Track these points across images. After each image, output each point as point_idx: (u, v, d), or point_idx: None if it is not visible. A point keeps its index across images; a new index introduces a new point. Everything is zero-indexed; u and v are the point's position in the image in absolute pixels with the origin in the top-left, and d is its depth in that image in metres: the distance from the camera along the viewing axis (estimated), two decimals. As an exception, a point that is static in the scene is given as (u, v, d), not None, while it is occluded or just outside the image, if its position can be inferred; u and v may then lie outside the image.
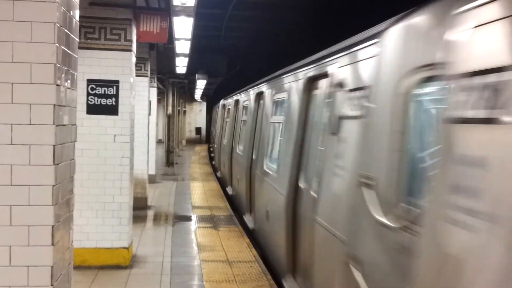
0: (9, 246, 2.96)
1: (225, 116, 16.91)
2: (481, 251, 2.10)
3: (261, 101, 9.39)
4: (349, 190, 3.83)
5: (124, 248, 6.99)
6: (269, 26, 14.76)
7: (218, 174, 17.39)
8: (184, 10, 7.05)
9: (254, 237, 8.85)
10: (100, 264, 6.87)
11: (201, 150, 34.28)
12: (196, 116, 46.93)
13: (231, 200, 12.90)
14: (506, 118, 2.04)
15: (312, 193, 4.99)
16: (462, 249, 2.22)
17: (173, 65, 15.19)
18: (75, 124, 3.44)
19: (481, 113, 2.18)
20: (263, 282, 6.49)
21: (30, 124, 2.95)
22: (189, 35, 9.20)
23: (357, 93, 3.96)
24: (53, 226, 2.98)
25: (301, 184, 5.63)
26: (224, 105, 17.91)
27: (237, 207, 11.85)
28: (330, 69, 4.83)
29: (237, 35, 16.00)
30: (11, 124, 2.94)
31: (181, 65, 14.88)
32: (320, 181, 4.70)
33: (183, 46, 10.73)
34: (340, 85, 4.42)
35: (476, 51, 2.32)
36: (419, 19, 3.13)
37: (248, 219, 9.84)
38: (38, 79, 2.94)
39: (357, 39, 4.38)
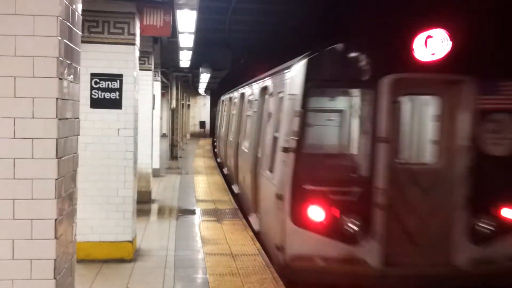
0: (12, 240, 2.96)
1: (230, 110, 16.78)
2: None
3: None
4: None
5: (128, 241, 7.01)
6: (274, 19, 14.70)
7: (225, 170, 16.80)
8: (187, 4, 7.03)
9: (261, 240, 8.16)
10: (104, 257, 6.89)
11: (205, 144, 34.29)
12: (200, 110, 46.93)
13: (237, 200, 12.15)
14: None
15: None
16: None
17: (177, 59, 15.15)
18: (78, 118, 3.44)
19: None
20: (267, 275, 6.50)
21: (33, 117, 2.94)
22: (192, 28, 9.17)
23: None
24: (56, 219, 2.98)
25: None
26: (230, 98, 17.50)
27: (243, 207, 10.99)
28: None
29: (242, 28, 15.94)
30: (14, 117, 2.94)
31: (185, 59, 14.85)
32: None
33: (186, 40, 10.70)
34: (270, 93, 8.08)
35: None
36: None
37: (253, 220, 9.11)
38: (40, 72, 2.94)
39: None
